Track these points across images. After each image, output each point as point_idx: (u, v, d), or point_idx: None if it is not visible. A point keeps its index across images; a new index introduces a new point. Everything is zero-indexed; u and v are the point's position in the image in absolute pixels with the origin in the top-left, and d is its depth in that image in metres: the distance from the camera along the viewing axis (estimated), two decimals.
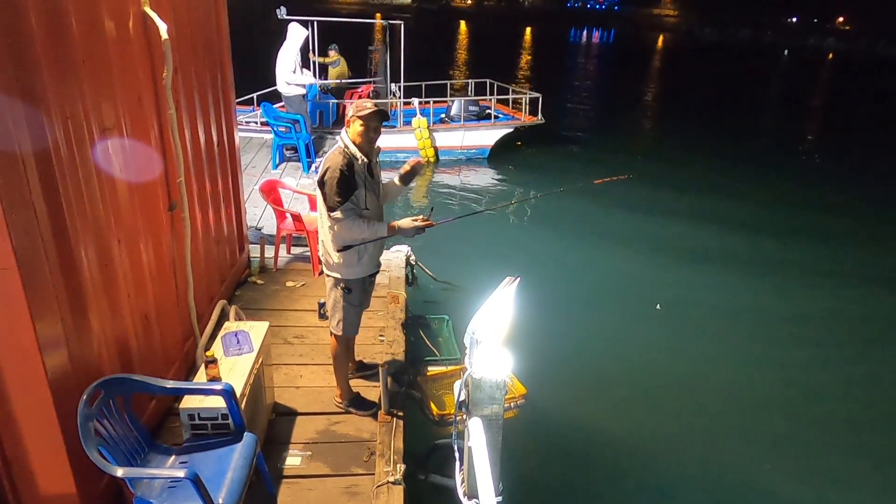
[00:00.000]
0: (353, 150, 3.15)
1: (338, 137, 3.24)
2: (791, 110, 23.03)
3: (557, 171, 12.00)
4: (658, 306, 6.69)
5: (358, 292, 3.42)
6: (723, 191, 11.31)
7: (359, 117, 3.12)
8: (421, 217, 3.27)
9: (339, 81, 11.48)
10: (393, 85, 11.35)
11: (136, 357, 3.09)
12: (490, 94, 12.25)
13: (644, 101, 23.42)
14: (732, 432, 4.96)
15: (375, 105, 3.18)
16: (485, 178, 11.23)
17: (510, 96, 12.25)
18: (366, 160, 3.19)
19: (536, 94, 11.85)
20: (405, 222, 3.24)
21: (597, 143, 14.93)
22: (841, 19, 77.99)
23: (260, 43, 15.82)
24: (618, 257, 8.07)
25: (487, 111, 11.73)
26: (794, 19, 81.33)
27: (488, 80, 12.60)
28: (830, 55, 53.73)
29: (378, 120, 3.17)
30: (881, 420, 5.25)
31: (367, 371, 3.99)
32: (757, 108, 23.08)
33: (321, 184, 3.13)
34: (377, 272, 3.54)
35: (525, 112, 11.81)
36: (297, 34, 8.90)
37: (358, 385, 3.84)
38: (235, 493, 2.47)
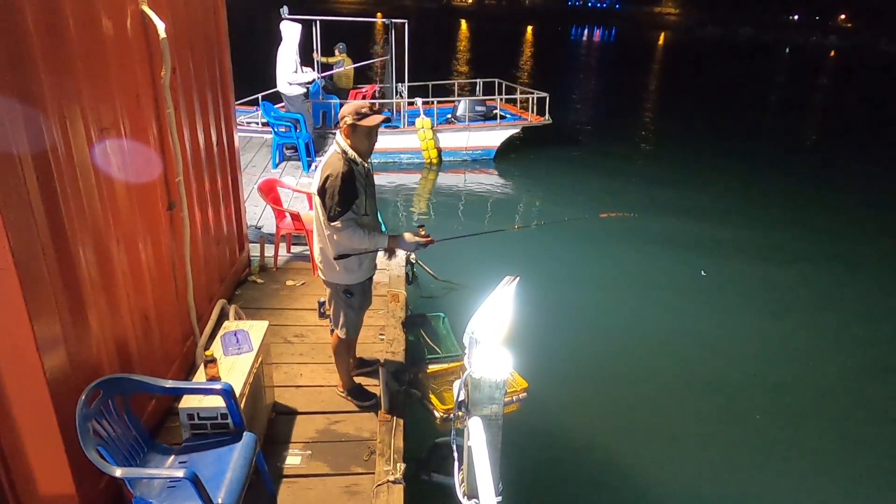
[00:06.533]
0: (352, 154, 3.08)
1: (333, 141, 3.18)
2: (794, 109, 22.93)
3: (563, 173, 11.83)
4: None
5: (359, 296, 3.42)
6: (723, 189, 11.29)
7: (355, 122, 3.04)
8: (422, 231, 3.24)
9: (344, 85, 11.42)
10: (399, 84, 11.30)
11: (135, 357, 3.08)
12: (498, 94, 12.08)
13: (647, 99, 23.39)
14: (740, 427, 4.94)
15: (372, 108, 3.11)
16: (490, 180, 11.10)
17: (517, 96, 12.08)
18: (365, 164, 3.15)
19: (544, 94, 11.67)
20: (407, 236, 3.22)
21: (601, 143, 14.89)
22: (843, 16, 77.82)
23: (260, 43, 15.80)
24: (618, 255, 8.06)
25: (494, 111, 11.53)
26: (796, 17, 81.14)
27: (496, 80, 12.42)
28: (832, 53, 53.61)
29: (375, 124, 3.10)
30: None
31: (367, 367, 4.00)
32: (759, 107, 23.00)
33: (321, 191, 3.04)
34: (374, 274, 3.55)
35: (532, 112, 11.69)
36: (291, 31, 8.84)
37: (358, 383, 3.84)
38: (235, 492, 2.46)
